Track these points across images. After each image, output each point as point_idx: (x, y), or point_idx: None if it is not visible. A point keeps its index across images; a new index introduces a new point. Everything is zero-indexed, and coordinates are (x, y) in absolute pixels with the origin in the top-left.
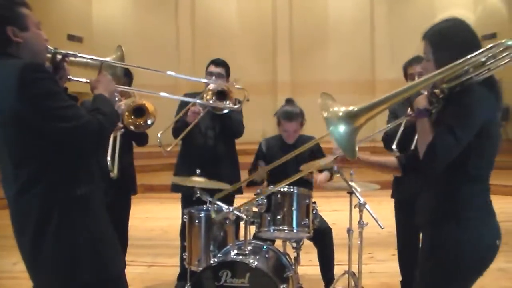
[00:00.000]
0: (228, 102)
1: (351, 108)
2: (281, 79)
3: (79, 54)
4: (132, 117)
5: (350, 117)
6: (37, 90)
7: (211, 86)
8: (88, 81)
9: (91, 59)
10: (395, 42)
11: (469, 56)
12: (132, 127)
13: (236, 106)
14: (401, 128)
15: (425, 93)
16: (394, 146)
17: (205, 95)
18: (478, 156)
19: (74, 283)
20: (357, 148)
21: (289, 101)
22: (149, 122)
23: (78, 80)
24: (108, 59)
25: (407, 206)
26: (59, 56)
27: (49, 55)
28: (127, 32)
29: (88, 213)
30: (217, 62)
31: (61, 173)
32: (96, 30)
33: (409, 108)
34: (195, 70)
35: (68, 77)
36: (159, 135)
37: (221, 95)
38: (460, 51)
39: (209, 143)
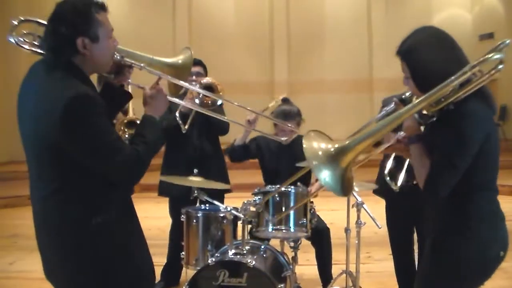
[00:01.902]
0: (218, 92)
1: (330, 148)
2: (278, 78)
3: (146, 67)
4: (126, 130)
5: (333, 159)
6: (81, 127)
7: (204, 80)
8: (143, 87)
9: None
10: (392, 41)
11: (451, 78)
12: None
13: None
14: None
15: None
16: (386, 171)
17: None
18: (482, 167)
19: None
20: (354, 187)
21: (285, 100)
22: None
23: (134, 85)
24: (177, 59)
25: (395, 206)
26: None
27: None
28: (123, 31)
29: (103, 242)
30: (195, 62)
31: (80, 201)
32: None
33: (400, 132)
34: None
35: (128, 80)
36: (177, 113)
37: (209, 90)
38: (433, 59)
39: (194, 141)
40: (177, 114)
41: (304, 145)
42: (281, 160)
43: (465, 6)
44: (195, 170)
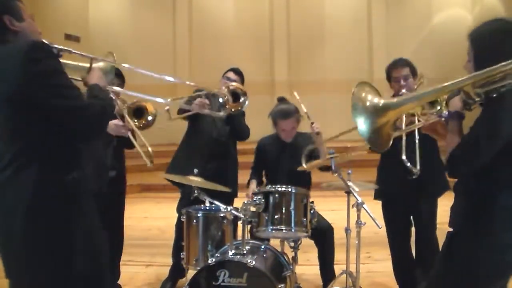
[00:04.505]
0: (243, 99)
1: (377, 101)
2: (278, 79)
3: (73, 50)
4: (135, 120)
5: (377, 112)
6: (43, 67)
7: (232, 86)
8: (81, 79)
9: (83, 55)
10: (392, 42)
11: (504, 63)
12: (136, 129)
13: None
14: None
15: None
16: (403, 157)
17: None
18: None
19: (64, 276)
20: (390, 142)
21: (281, 100)
22: (149, 118)
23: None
24: (100, 64)
25: (392, 206)
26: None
27: None
28: (124, 31)
29: (75, 201)
30: (237, 72)
31: (51, 156)
32: (93, 29)
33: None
34: (191, 69)
35: None
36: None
37: (234, 95)
38: (500, 49)
39: (221, 137)
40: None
41: (354, 91)
42: (281, 160)
43: (465, 6)
44: (195, 170)
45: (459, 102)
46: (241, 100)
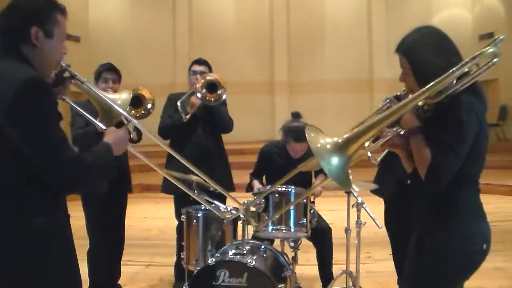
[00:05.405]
0: (221, 91)
1: (336, 139)
2: (278, 78)
3: (86, 82)
4: (133, 110)
5: (340, 149)
6: (31, 110)
7: (208, 77)
8: (104, 128)
9: (99, 95)
10: (392, 41)
11: (452, 69)
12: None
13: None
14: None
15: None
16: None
17: (197, 86)
18: (472, 159)
19: None
20: (350, 177)
21: (296, 116)
22: (149, 106)
23: (83, 113)
24: (115, 101)
25: (391, 206)
26: (67, 74)
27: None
28: (124, 31)
29: (39, 249)
30: (200, 61)
31: (20, 197)
32: (93, 29)
33: (398, 127)
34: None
35: (63, 97)
36: (179, 103)
37: (212, 86)
38: (434, 54)
39: (200, 140)
40: (178, 103)
41: (309, 141)
42: (287, 171)
43: (465, 6)
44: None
45: (412, 116)
46: (219, 92)
